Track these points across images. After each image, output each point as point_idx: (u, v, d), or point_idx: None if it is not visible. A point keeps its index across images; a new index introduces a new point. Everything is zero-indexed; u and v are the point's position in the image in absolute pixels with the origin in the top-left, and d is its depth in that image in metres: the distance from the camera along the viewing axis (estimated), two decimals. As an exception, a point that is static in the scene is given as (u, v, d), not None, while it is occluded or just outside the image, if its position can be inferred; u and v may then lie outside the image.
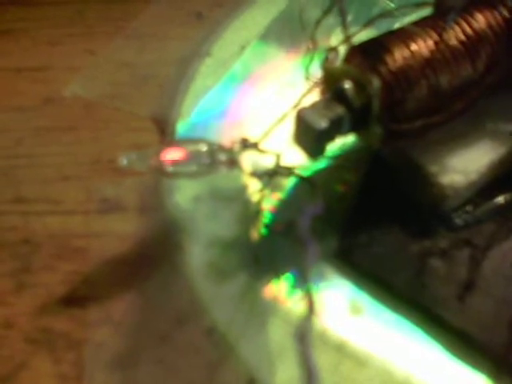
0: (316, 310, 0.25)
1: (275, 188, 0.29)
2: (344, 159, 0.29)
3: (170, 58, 0.35)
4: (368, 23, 0.27)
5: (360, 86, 0.25)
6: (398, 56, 0.26)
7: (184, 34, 0.36)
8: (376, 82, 0.25)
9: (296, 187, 0.29)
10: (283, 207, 0.29)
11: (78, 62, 0.36)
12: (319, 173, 0.29)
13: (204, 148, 0.27)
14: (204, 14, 0.37)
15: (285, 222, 0.28)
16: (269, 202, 0.29)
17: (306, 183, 0.28)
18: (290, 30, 0.33)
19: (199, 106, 0.32)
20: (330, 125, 0.25)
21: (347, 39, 0.26)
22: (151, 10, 0.37)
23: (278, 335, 0.25)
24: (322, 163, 0.29)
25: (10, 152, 0.32)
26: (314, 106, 0.26)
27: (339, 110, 0.25)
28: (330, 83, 0.26)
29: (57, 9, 0.39)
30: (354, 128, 0.26)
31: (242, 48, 0.34)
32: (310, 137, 0.25)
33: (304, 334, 0.24)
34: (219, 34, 0.35)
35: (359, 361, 0.24)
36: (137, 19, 0.37)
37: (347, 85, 0.26)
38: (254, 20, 0.35)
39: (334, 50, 0.28)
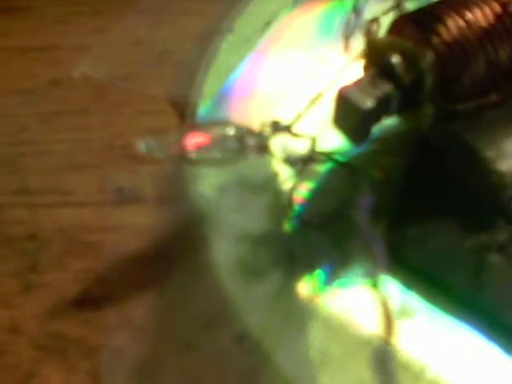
0: (395, 329, 0.22)
1: (309, 176, 0.26)
2: (386, 143, 0.26)
3: (188, 34, 0.33)
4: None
5: (410, 60, 0.23)
6: (452, 26, 0.23)
7: (202, 8, 0.34)
8: (429, 56, 0.22)
9: (332, 175, 0.27)
10: (318, 197, 0.26)
11: (87, 40, 0.34)
12: (358, 158, 0.26)
13: (231, 132, 0.24)
14: (223, -13, 0.35)
15: (321, 213, 0.26)
16: (302, 192, 0.26)
17: (347, 170, 0.25)
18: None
19: (222, 86, 0.29)
20: (377, 104, 0.22)
21: (393, 8, 0.24)
22: (166, -17, 0.35)
23: (319, 341, 0.22)
24: (361, 147, 0.26)
25: (15, 139, 0.30)
26: (357, 84, 0.23)
27: (387, 87, 0.23)
28: (375, 58, 0.24)
29: (64, -16, 0.37)
30: (403, 108, 0.23)
31: (268, 23, 0.31)
32: (354, 118, 0.23)
33: (384, 360, 0.21)
34: (242, 7, 0.32)
35: (411, 371, 0.22)
36: (150, -7, 0.34)
37: (395, 59, 0.23)
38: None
39: (376, 20, 0.25)
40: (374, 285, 0.23)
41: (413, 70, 0.23)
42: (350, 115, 0.23)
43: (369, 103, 0.22)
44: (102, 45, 0.33)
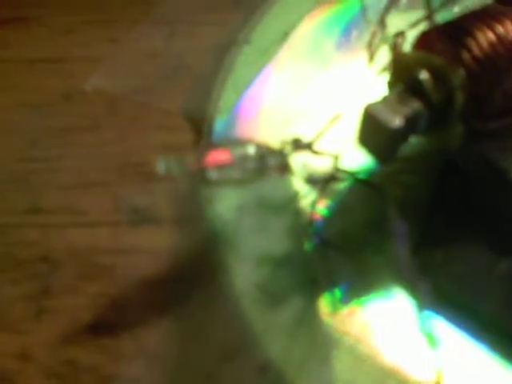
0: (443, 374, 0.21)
1: (330, 195, 0.25)
2: (411, 162, 0.25)
3: (204, 46, 0.32)
4: (447, 2, 0.23)
5: (440, 76, 0.22)
6: (483, 41, 0.22)
7: (219, 19, 0.33)
8: (460, 73, 0.21)
9: (354, 193, 0.25)
10: (340, 216, 0.25)
11: (98, 52, 0.33)
12: (381, 177, 0.25)
13: (251, 151, 0.23)
14: (241, -2, 0.34)
15: (342, 233, 0.25)
16: (323, 211, 0.25)
17: (370, 189, 0.24)
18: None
19: (239, 100, 0.28)
20: (405, 123, 0.21)
21: (421, 20, 0.23)
22: (180, -8, 0.34)
23: (345, 372, 0.21)
24: (383, 167, 0.25)
25: (25, 155, 0.29)
26: (384, 101, 0.22)
27: (415, 105, 0.22)
28: (402, 73, 0.23)
29: (73, -7, 0.36)
30: (431, 127, 0.22)
31: (285, 34, 0.30)
32: (381, 137, 0.22)
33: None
34: (259, 18, 0.31)
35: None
36: (165, 3, 0.33)
37: (424, 75, 0.22)
38: (298, 2, 0.31)
39: (402, 34, 0.24)
40: (419, 321, 0.22)
41: (443, 87, 0.22)
42: (377, 134, 0.22)
43: (397, 122, 0.21)
44: (115, 57, 0.32)
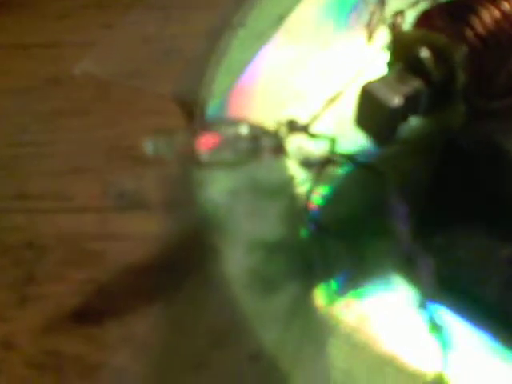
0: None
1: (327, 179, 0.24)
2: (410, 144, 0.24)
3: (198, 30, 0.31)
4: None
5: (441, 54, 0.21)
6: (487, 18, 0.21)
7: (213, 2, 0.32)
8: (462, 50, 0.21)
9: (351, 178, 0.25)
10: (336, 201, 0.24)
11: (91, 36, 0.32)
12: (379, 161, 0.24)
13: (244, 131, 0.22)
14: (235, -18, 0.33)
15: (339, 219, 0.24)
16: (319, 196, 0.24)
17: (367, 173, 0.23)
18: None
19: (233, 84, 0.28)
20: (405, 102, 0.20)
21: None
22: (174, -23, 0.33)
23: (341, 360, 0.20)
24: (383, 149, 0.24)
25: (13, 140, 0.29)
26: (383, 80, 0.21)
27: (416, 83, 0.21)
28: (401, 52, 0.22)
29: (66, -22, 0.35)
30: (432, 106, 0.21)
31: (281, 18, 0.30)
32: (380, 117, 0.21)
33: None
34: (254, 1, 0.30)
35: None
36: (158, -13, 0.32)
37: (424, 53, 0.21)
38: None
39: (401, 13, 0.23)
40: (422, 306, 0.21)
41: (444, 65, 0.21)
42: (375, 113, 0.21)
43: (396, 100, 0.20)
44: (107, 41, 0.31)
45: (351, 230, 0.23)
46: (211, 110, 0.27)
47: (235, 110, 0.27)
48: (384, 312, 0.22)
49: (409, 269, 0.22)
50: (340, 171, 0.24)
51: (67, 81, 0.30)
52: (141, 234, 0.24)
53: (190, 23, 0.32)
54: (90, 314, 0.23)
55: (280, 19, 0.30)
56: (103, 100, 0.30)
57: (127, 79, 0.29)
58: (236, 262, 0.22)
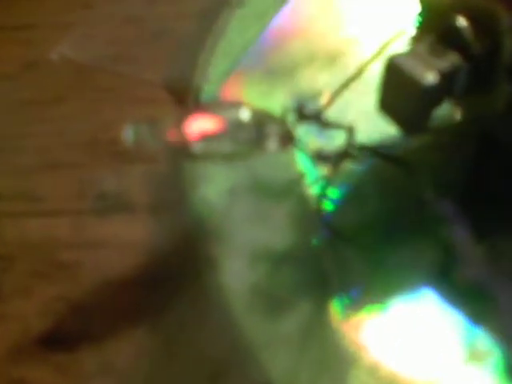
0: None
1: (343, 176, 0.21)
2: (440, 136, 0.21)
3: (189, 10, 0.28)
4: None
5: (481, 23, 0.18)
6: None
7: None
8: (507, 19, 0.17)
9: (372, 175, 0.22)
10: (354, 204, 0.21)
11: (69, 17, 0.30)
12: (407, 154, 0.21)
13: (245, 116, 0.19)
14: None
15: (358, 225, 0.21)
16: (335, 197, 0.21)
17: (397, 169, 0.20)
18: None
19: (231, 69, 0.24)
20: (441, 79, 0.17)
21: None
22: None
23: (364, 397, 0.17)
24: (411, 139, 0.21)
25: None
26: (414, 53, 0.18)
27: (452, 57, 0.18)
28: (434, 21, 0.19)
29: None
30: (471, 87, 0.18)
31: (285, -4, 0.27)
32: (411, 98, 0.18)
33: None
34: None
35: None
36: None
37: (461, 22, 0.18)
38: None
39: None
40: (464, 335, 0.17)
41: (486, 35, 0.18)
42: (405, 94, 0.18)
43: (431, 77, 0.17)
44: (87, 22, 0.29)
45: (370, 236, 0.21)
46: (207, 96, 0.24)
47: (234, 96, 0.24)
48: (413, 334, 0.19)
49: (441, 280, 0.20)
50: (358, 167, 0.21)
51: (42, 66, 0.28)
52: (123, 242, 0.22)
53: (181, 2, 0.29)
54: (61, 338, 0.20)
55: None
56: (82, 87, 0.27)
57: (110, 64, 0.27)
58: (237, 275, 0.20)
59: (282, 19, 0.26)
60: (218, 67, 0.26)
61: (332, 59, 0.24)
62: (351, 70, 0.22)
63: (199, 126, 0.18)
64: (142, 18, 0.29)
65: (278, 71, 0.24)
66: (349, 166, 0.22)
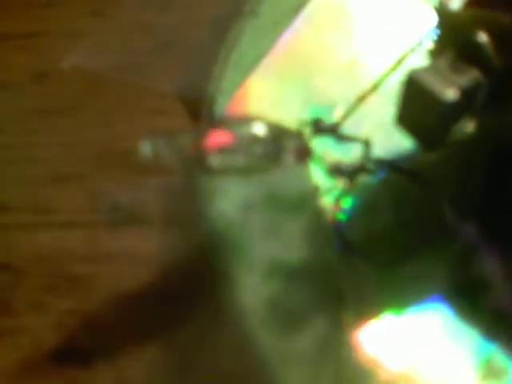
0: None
1: (358, 190, 0.21)
2: (459, 150, 0.21)
3: (202, 19, 0.28)
4: None
5: (501, 38, 0.18)
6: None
7: (220, -14, 0.29)
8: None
9: (387, 189, 0.21)
10: (370, 217, 0.21)
11: (81, 25, 0.30)
12: (423, 168, 0.21)
13: (261, 131, 0.19)
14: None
15: (373, 239, 0.21)
16: (350, 211, 0.21)
17: (414, 183, 0.20)
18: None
19: (245, 80, 0.24)
20: (462, 96, 0.17)
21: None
22: (176, -41, 0.30)
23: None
24: (428, 154, 0.21)
25: None
26: (434, 69, 0.18)
27: (473, 73, 0.17)
28: (453, 36, 0.19)
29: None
30: (491, 102, 0.18)
31: (299, 5, 0.26)
32: (431, 114, 0.17)
33: None
34: (268, -13, 0.27)
35: None
36: (158, -30, 0.30)
37: (481, 37, 0.18)
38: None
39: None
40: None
41: (506, 50, 0.18)
42: (425, 109, 0.17)
43: (452, 94, 0.17)
44: (99, 31, 0.28)
45: (384, 249, 0.21)
46: (220, 108, 0.24)
47: (248, 108, 0.23)
48: (429, 349, 0.19)
49: (458, 296, 0.19)
50: (374, 181, 0.21)
51: (53, 75, 0.28)
52: (137, 256, 0.22)
53: (193, 10, 0.29)
54: (74, 352, 0.20)
55: (298, 7, 0.27)
56: (94, 97, 0.27)
57: (122, 74, 0.27)
58: (252, 290, 0.20)
59: (295, 30, 0.26)
60: (231, 78, 0.26)
61: (346, 70, 0.24)
62: (365, 81, 0.22)
63: (216, 141, 0.18)
64: (153, 26, 0.29)
65: (291, 81, 0.24)
66: (364, 179, 0.22)
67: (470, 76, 0.18)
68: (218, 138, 0.18)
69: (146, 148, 0.17)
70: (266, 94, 0.23)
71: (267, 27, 0.27)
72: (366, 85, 0.21)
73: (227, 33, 0.28)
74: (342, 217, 0.22)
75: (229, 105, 0.25)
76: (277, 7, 0.27)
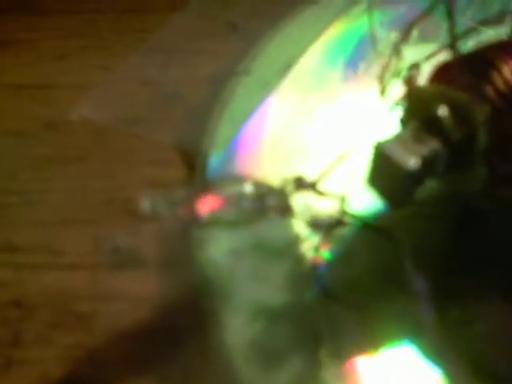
0: None
1: (335, 240, 0.23)
2: (424, 207, 0.23)
3: (200, 76, 0.29)
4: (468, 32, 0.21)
5: (460, 113, 0.20)
6: (508, 74, 0.20)
7: (217, 47, 0.30)
8: (484, 109, 0.19)
9: (361, 240, 0.23)
10: (345, 265, 0.23)
11: (89, 79, 0.30)
12: (391, 223, 0.23)
13: (248, 189, 0.21)
14: (239, 26, 0.32)
15: (348, 284, 0.22)
16: (327, 259, 0.23)
17: (383, 237, 0.22)
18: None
19: (237, 134, 0.26)
20: (422, 164, 0.19)
21: (442, 51, 0.21)
22: (178, 20, 0.32)
23: None
24: (393, 211, 0.23)
25: (1, 187, 0.27)
26: (398, 139, 0.20)
27: (433, 144, 0.19)
28: (417, 109, 0.20)
29: (65, 18, 0.33)
30: (450, 168, 0.20)
31: (287, 66, 0.28)
32: (395, 179, 0.19)
33: None
34: (259, 48, 0.29)
35: None
36: (161, 30, 0.31)
37: (443, 111, 0.20)
38: (302, 33, 0.29)
39: (417, 66, 0.22)
40: None
41: (464, 124, 0.20)
42: (390, 175, 0.19)
43: (413, 162, 0.19)
44: (106, 85, 0.29)
45: (360, 295, 0.22)
46: (213, 161, 0.26)
47: (239, 163, 0.25)
48: None
49: (422, 337, 0.21)
50: (349, 232, 0.23)
51: (62, 125, 0.28)
52: (135, 295, 0.22)
53: (191, 68, 0.30)
54: (77, 383, 0.21)
55: (286, 67, 0.28)
56: (100, 148, 0.27)
57: (126, 126, 0.28)
58: (238, 331, 0.21)
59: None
60: (224, 132, 0.27)
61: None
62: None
63: (207, 200, 0.20)
64: (156, 82, 0.29)
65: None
66: (341, 230, 0.23)
67: (431, 146, 0.19)
68: (209, 198, 0.20)
69: (145, 204, 0.19)
70: (253, 150, 0.25)
71: (258, 85, 0.28)
72: (345, 148, 0.23)
73: (221, 90, 0.30)
74: (321, 264, 0.23)
75: (221, 157, 0.27)
76: (267, 67, 0.29)
